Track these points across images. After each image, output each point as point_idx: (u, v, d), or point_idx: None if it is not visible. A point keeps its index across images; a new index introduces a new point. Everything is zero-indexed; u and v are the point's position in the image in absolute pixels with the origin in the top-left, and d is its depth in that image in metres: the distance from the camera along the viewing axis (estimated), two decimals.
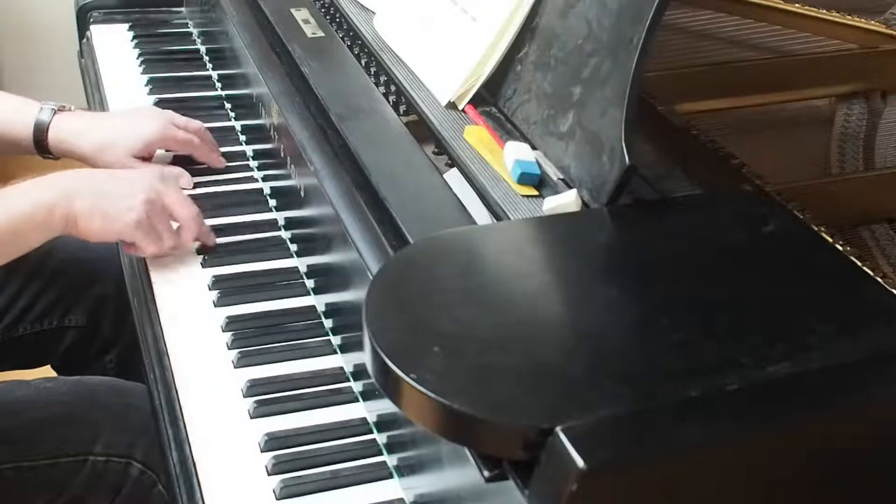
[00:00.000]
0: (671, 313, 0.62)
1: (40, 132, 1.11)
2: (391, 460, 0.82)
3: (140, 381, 1.00)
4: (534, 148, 0.83)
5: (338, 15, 1.10)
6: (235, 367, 0.91)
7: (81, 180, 0.97)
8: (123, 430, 1.03)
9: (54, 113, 1.12)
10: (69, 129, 1.11)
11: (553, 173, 0.81)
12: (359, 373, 0.89)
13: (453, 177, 0.84)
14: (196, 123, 1.17)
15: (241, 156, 1.20)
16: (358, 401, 0.88)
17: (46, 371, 1.32)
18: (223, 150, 1.19)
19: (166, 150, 1.15)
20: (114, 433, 1.02)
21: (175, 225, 1.01)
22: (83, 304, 1.26)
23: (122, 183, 0.99)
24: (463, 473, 0.65)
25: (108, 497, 1.02)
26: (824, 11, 1.10)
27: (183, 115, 1.22)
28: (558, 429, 0.53)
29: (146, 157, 1.13)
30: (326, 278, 0.96)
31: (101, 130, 1.12)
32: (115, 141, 1.10)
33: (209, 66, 1.39)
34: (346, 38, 1.06)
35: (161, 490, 1.02)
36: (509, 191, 0.80)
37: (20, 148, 1.13)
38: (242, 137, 1.23)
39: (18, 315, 1.24)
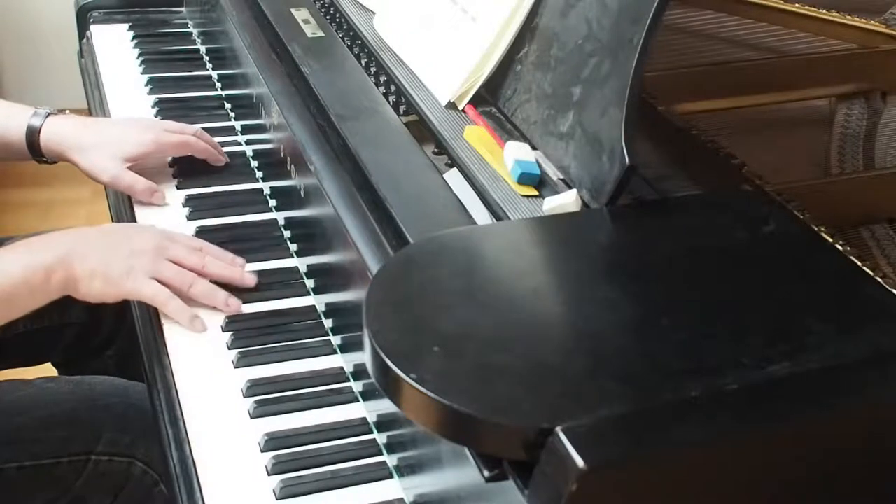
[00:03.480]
0: (671, 313, 0.62)
1: (32, 135, 1.11)
2: (391, 460, 0.82)
3: (140, 377, 1.00)
4: (534, 148, 0.83)
5: (338, 15, 1.10)
6: (235, 367, 0.91)
7: (81, 241, 0.93)
8: (125, 429, 1.03)
9: (47, 116, 1.12)
10: (60, 130, 1.11)
11: (553, 173, 0.81)
12: (359, 373, 0.89)
13: (453, 177, 0.84)
14: (192, 128, 1.16)
15: (241, 156, 1.20)
16: (358, 401, 0.88)
17: (47, 368, 1.33)
18: (223, 150, 1.19)
19: (164, 157, 1.15)
20: (116, 433, 1.02)
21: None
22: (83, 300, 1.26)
23: (123, 244, 0.95)
24: (463, 473, 0.65)
25: (109, 496, 1.02)
26: (824, 11, 1.10)
27: (183, 115, 1.22)
28: (558, 429, 0.53)
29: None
30: (326, 278, 0.96)
31: (91, 133, 1.12)
32: (103, 143, 1.10)
33: (209, 66, 1.39)
34: (346, 38, 1.06)
35: (163, 489, 1.02)
36: (509, 191, 0.80)
37: (14, 152, 1.13)
38: (242, 137, 1.23)
39: None
